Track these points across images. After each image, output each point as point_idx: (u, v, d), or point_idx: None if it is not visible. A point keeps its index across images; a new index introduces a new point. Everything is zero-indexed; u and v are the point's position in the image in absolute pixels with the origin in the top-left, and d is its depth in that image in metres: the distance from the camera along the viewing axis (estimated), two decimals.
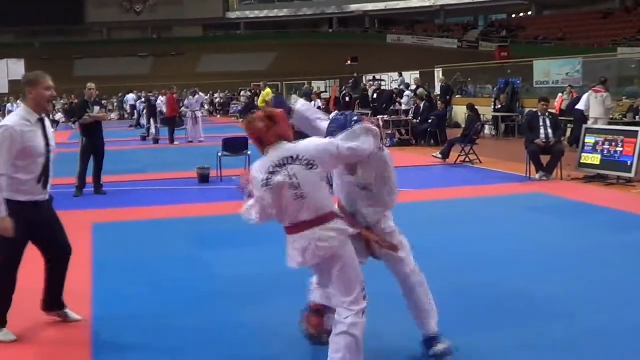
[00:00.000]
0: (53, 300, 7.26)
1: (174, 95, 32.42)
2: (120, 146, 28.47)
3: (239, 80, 60.95)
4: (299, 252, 5.48)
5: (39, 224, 6.89)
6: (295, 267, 5.57)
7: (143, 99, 43.23)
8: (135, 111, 47.30)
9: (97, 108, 16.34)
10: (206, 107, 35.34)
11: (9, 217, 6.51)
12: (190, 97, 32.13)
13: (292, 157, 5.44)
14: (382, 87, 40.37)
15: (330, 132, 5.71)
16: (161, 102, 32.97)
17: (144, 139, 32.86)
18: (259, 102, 32.79)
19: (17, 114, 6.83)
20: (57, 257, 7.16)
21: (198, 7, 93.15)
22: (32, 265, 7.06)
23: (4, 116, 39.56)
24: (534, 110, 18.78)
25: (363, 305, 5.51)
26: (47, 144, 6.83)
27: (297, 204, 5.41)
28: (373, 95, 38.07)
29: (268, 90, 31.96)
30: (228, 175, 17.75)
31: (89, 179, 16.26)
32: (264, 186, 5.42)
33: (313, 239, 5.42)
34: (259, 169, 5.51)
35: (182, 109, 36.17)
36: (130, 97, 51.80)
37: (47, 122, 7.03)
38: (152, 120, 35.04)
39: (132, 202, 15.36)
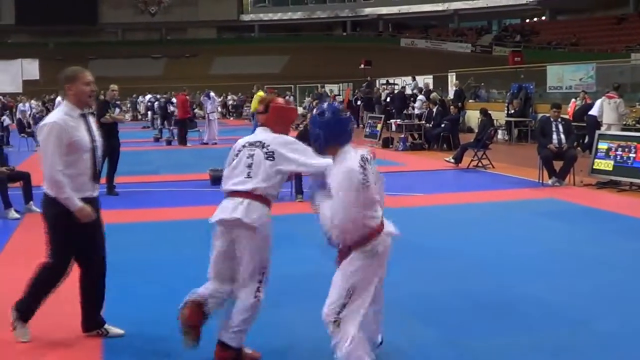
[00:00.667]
0: (92, 318, 7.10)
1: (187, 97, 32.48)
2: (133, 147, 28.52)
3: (252, 83, 61.01)
4: (220, 210, 6.39)
5: (87, 223, 6.74)
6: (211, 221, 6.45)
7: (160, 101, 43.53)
8: (149, 112, 47.47)
9: (117, 110, 16.44)
10: (219, 109, 35.36)
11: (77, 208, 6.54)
12: (207, 98, 32.19)
13: (259, 142, 6.31)
14: (395, 90, 40.46)
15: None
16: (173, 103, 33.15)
17: (157, 140, 32.92)
18: (252, 105, 32.82)
19: (60, 110, 6.73)
20: (96, 262, 7.02)
21: (212, 9, 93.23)
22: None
23: (13, 117, 39.78)
24: (547, 115, 18.76)
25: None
26: (93, 139, 6.75)
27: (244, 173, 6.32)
28: (386, 99, 38.20)
29: (261, 92, 31.98)
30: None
31: (102, 179, 16.28)
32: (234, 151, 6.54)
33: (232, 204, 6.28)
34: (242, 139, 6.56)
35: (196, 110, 36.27)
36: (147, 98, 51.89)
37: (90, 118, 6.95)
38: (165, 122, 35.18)
39: (144, 204, 15.43)
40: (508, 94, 33.89)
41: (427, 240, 10.92)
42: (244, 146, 6.46)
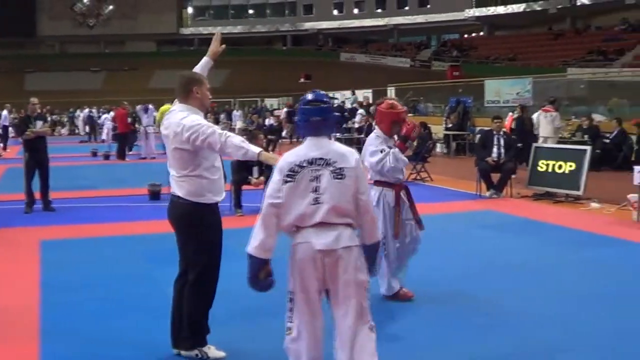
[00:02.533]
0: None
1: (125, 111, 32.19)
2: (70, 162, 28.23)
3: None
4: None
5: (219, 228, 6.65)
6: None
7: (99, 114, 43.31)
8: (87, 126, 47.06)
9: (39, 123, 16.00)
10: (156, 124, 35.05)
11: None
12: (143, 112, 31.83)
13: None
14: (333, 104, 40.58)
15: None
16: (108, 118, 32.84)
17: (94, 154, 32.58)
18: (157, 117, 32.58)
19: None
20: (212, 267, 6.66)
21: (152, 22, 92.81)
22: None
23: None
24: (488, 128, 18.95)
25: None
26: None
27: None
28: None
29: (167, 106, 31.67)
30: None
31: (38, 194, 16.05)
32: None
33: None
34: None
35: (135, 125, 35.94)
36: (86, 111, 51.37)
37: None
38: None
39: (82, 219, 15.16)
40: (446, 108, 34.15)
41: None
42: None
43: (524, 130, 23.87)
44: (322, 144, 5.42)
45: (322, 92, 5.74)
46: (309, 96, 5.60)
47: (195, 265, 6.52)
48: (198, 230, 6.49)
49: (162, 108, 31.23)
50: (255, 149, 6.11)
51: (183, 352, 6.64)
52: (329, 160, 5.33)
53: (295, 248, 5.36)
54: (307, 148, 5.41)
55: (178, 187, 6.48)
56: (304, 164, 5.32)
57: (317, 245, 5.25)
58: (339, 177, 5.29)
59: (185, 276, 6.65)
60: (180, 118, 6.38)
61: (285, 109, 44.86)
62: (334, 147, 5.44)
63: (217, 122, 35.68)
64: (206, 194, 6.44)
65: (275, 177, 5.39)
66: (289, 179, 5.31)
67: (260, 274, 5.39)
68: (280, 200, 5.32)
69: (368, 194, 5.54)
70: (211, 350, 6.65)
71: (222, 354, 6.66)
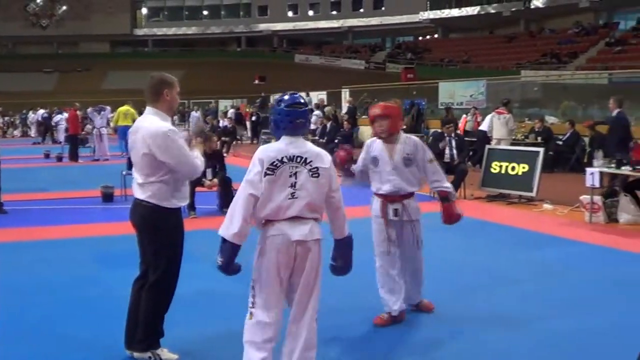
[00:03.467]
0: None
1: (77, 112, 31.92)
2: (22, 164, 27.94)
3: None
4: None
5: (180, 231, 6.67)
6: None
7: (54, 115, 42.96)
8: (42, 127, 46.60)
9: None
10: (112, 124, 34.74)
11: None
12: (96, 114, 31.58)
13: None
14: None
15: None
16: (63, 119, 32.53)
17: (47, 156, 32.26)
18: (114, 118, 32.40)
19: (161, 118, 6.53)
20: (172, 270, 6.63)
21: (105, 23, 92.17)
22: None
23: None
24: (440, 130, 19.04)
25: None
26: None
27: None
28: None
29: (125, 107, 31.44)
30: (132, 194, 17.56)
31: None
32: None
33: None
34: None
35: (88, 126, 35.63)
36: (40, 113, 50.86)
37: None
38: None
39: (34, 222, 15.04)
40: None
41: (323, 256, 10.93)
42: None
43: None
44: (300, 144, 5.75)
45: (297, 94, 6.11)
46: (286, 97, 5.91)
47: (156, 267, 6.50)
48: (160, 233, 6.46)
49: (120, 109, 31.32)
50: None
51: (136, 354, 6.59)
52: (307, 160, 5.67)
53: (269, 240, 5.62)
54: (286, 145, 5.69)
55: (142, 190, 6.47)
56: (285, 160, 5.61)
57: (294, 237, 5.58)
58: (315, 175, 5.66)
59: (144, 277, 6.62)
60: (154, 126, 6.37)
61: (233, 110, 44.88)
62: (310, 147, 5.79)
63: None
64: (170, 199, 6.45)
65: (256, 168, 5.59)
66: (269, 172, 5.56)
67: (233, 259, 5.61)
68: (261, 191, 5.55)
69: (340, 193, 5.88)
70: (164, 352, 6.61)
71: (174, 356, 6.63)
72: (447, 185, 8.04)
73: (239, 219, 5.52)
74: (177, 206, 6.56)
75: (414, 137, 8.01)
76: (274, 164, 5.58)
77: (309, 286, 5.73)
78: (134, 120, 32.29)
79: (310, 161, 5.68)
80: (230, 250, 5.56)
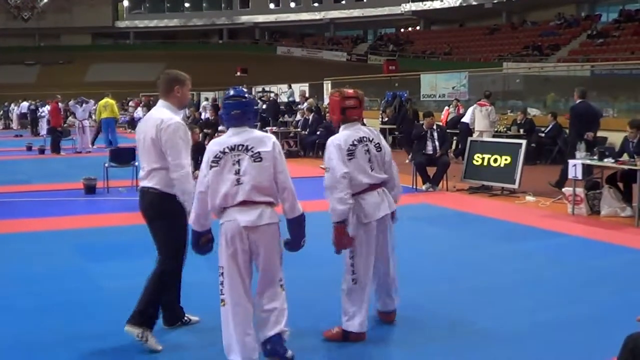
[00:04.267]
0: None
1: (59, 105, 31.78)
2: (5, 156, 27.81)
3: (128, 90, 60.10)
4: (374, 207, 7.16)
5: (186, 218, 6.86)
6: None
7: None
8: (28, 119, 46.36)
9: None
10: (94, 117, 34.62)
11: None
12: (77, 106, 31.44)
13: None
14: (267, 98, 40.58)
15: None
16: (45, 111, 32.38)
17: (29, 148, 32.09)
18: (98, 109, 32.46)
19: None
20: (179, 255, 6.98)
21: (87, 15, 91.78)
22: None
23: None
24: (421, 123, 19.04)
25: None
26: None
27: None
28: (262, 106, 38.13)
29: (105, 99, 31.68)
30: (115, 186, 17.54)
31: None
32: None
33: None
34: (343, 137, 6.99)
35: (70, 118, 35.43)
36: (24, 105, 50.60)
37: None
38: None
39: (16, 214, 14.96)
40: (382, 102, 34.25)
41: (306, 248, 10.91)
42: (354, 145, 6.96)
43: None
44: (244, 133, 6.15)
45: (242, 88, 6.74)
46: (231, 92, 6.42)
47: (167, 253, 6.83)
48: (168, 219, 6.77)
49: (100, 102, 31.27)
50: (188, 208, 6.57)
51: (127, 327, 6.69)
52: (248, 146, 6.05)
53: (223, 226, 6.06)
54: (229, 137, 6.17)
55: (148, 179, 6.78)
56: (226, 150, 6.04)
57: (242, 222, 5.96)
58: (258, 160, 6.02)
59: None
60: (162, 117, 6.77)
61: (207, 104, 44.81)
62: (252, 135, 6.16)
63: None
64: None
65: (202, 167, 6.13)
66: (213, 165, 6.03)
67: (200, 241, 6.33)
68: (206, 187, 6.07)
69: (286, 173, 6.18)
70: (152, 339, 6.73)
71: (159, 347, 6.73)
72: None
73: (195, 210, 6.25)
74: None
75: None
76: (217, 156, 6.04)
77: (269, 270, 6.14)
78: (113, 112, 32.28)
79: (252, 147, 6.04)
80: (194, 234, 6.36)
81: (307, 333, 7.04)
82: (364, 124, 7.41)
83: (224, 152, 6.02)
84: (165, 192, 6.68)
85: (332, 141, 6.94)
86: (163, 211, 6.74)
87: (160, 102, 7.00)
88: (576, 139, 15.57)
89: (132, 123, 40.02)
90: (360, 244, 6.99)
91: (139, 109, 39.68)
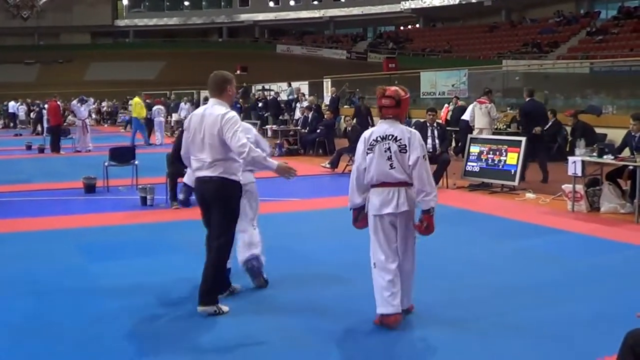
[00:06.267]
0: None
1: (58, 103, 31.73)
2: (5, 155, 27.80)
3: (127, 89, 60.09)
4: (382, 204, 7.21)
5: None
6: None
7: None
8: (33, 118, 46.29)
9: None
10: (93, 115, 34.55)
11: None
12: (79, 105, 31.34)
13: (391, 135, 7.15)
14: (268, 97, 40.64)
15: None
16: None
17: (29, 147, 32.07)
18: (136, 110, 32.50)
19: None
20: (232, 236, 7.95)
21: (87, 14, 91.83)
22: None
23: None
24: (422, 120, 19.03)
25: None
26: None
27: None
28: (259, 104, 38.17)
29: (136, 98, 32.02)
30: (115, 185, 17.53)
31: None
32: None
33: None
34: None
35: (70, 117, 35.37)
36: (11, 104, 50.56)
37: None
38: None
39: (16, 213, 14.93)
40: None
41: (304, 245, 10.90)
42: (376, 140, 7.17)
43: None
44: None
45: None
46: None
47: (221, 234, 7.61)
48: (230, 203, 7.65)
49: (136, 100, 31.50)
50: (273, 164, 7.47)
51: (201, 308, 7.52)
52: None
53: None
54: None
55: (212, 169, 7.53)
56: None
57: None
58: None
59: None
60: (221, 112, 7.50)
61: (187, 106, 44.89)
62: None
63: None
64: (236, 174, 7.63)
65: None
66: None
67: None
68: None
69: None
70: (224, 307, 7.65)
71: (226, 308, 7.66)
72: None
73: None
74: (240, 180, 7.70)
75: None
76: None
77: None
78: (136, 111, 32.76)
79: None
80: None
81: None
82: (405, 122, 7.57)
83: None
84: (229, 179, 7.53)
85: (364, 133, 7.34)
86: (227, 195, 7.58)
87: (213, 100, 7.72)
88: (526, 134, 16.81)
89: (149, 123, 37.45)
90: (373, 232, 7.37)
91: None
